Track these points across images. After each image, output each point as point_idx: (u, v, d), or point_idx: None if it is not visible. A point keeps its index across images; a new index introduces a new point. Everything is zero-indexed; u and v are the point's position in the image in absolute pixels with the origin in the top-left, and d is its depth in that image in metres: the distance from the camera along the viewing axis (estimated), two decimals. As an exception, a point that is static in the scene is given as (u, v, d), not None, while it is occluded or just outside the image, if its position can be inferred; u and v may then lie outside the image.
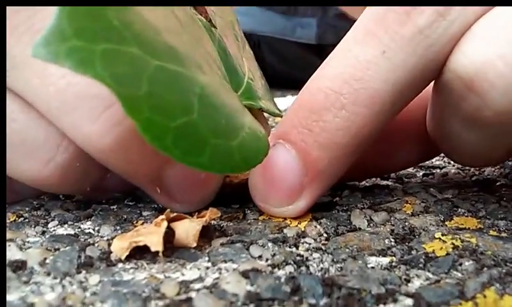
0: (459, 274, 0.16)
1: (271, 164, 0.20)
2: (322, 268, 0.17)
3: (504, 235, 0.19)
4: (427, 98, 0.21)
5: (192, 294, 0.15)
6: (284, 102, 0.62)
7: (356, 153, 0.20)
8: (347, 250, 0.18)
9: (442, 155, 0.33)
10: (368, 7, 0.19)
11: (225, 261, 0.17)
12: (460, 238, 0.19)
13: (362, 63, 0.18)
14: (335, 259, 0.17)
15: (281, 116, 0.23)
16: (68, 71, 0.16)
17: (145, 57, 0.16)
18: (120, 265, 0.17)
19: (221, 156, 0.17)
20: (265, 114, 0.24)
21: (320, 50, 0.84)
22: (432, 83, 0.20)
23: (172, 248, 0.18)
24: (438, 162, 0.32)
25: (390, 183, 0.27)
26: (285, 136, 0.20)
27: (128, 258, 0.17)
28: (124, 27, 0.16)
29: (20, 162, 0.20)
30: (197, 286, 0.15)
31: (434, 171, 0.29)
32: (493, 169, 0.29)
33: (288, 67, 0.88)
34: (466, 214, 0.21)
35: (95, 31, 0.15)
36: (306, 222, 0.20)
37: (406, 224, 0.20)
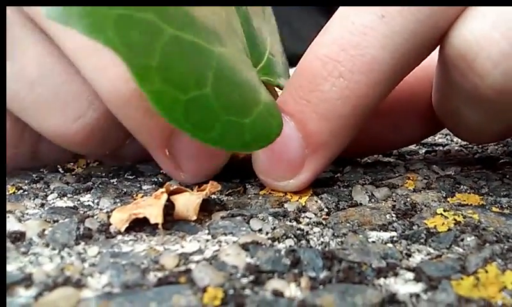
0: (461, 250, 0.16)
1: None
2: (322, 242, 0.17)
3: (506, 211, 0.19)
4: (430, 71, 0.21)
5: (192, 266, 0.15)
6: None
7: (357, 125, 0.19)
8: (347, 225, 0.18)
9: (445, 132, 0.33)
10: None
11: (225, 234, 0.17)
12: (462, 214, 0.18)
13: (359, 28, 0.18)
14: (335, 234, 0.17)
15: None
16: None
17: (161, 24, 0.16)
18: (119, 237, 0.17)
19: (231, 133, 0.17)
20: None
21: None
22: (436, 57, 0.19)
23: (172, 221, 0.18)
24: (440, 140, 0.31)
25: (392, 159, 0.26)
26: (284, 107, 0.19)
27: (128, 230, 0.17)
28: None
29: (49, 115, 0.20)
30: (196, 258, 0.15)
31: (436, 148, 0.29)
32: (496, 147, 0.29)
33: (299, 41, 0.87)
34: (468, 191, 0.21)
35: None
36: (307, 197, 0.20)
37: (408, 199, 0.20)
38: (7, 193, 0.21)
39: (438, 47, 0.19)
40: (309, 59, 0.19)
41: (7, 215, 0.18)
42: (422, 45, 0.18)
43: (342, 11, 0.19)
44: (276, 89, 0.23)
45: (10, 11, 0.19)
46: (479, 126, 0.20)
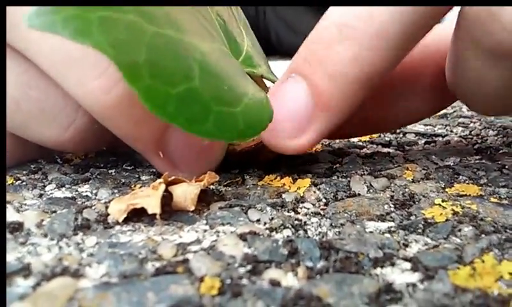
0: (458, 240, 0.16)
1: (281, 96, 0.20)
2: (320, 232, 0.17)
3: (504, 202, 0.19)
4: (440, 41, 0.21)
5: (190, 256, 0.15)
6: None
7: (365, 89, 0.19)
8: (345, 215, 0.18)
9: (444, 123, 0.33)
10: None
11: (223, 224, 0.17)
12: (460, 205, 0.18)
13: None
14: (333, 224, 0.17)
15: None
16: None
17: (142, 23, 0.16)
18: (117, 227, 0.17)
19: (225, 123, 0.17)
20: (266, 82, 0.24)
21: None
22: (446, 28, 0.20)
23: (170, 211, 0.18)
24: (440, 130, 0.31)
25: (391, 150, 0.26)
26: (297, 69, 0.20)
27: (126, 221, 0.17)
28: None
29: (40, 129, 0.20)
30: (194, 248, 0.15)
31: (436, 139, 0.29)
32: (495, 137, 0.29)
33: (294, 34, 0.87)
34: (467, 181, 0.21)
35: None
36: (305, 187, 0.20)
37: (406, 190, 0.20)
38: (6, 184, 0.21)
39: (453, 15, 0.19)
40: (325, 25, 0.20)
41: (5, 206, 0.18)
42: (433, 12, 0.18)
43: None
44: (265, 80, 0.23)
45: None
46: (496, 92, 0.20)
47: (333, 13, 0.19)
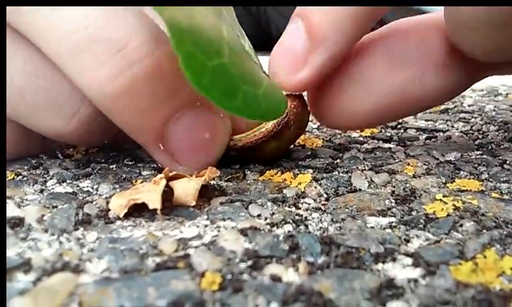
0: (460, 235, 0.16)
1: (282, 37, 0.21)
2: (321, 228, 0.17)
3: (506, 197, 0.19)
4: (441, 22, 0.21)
5: (191, 251, 0.15)
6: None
7: (358, 22, 0.20)
8: (346, 210, 0.18)
9: (446, 118, 0.33)
10: None
11: (224, 220, 0.17)
12: (461, 200, 0.18)
13: None
14: (334, 219, 0.17)
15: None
16: (79, 14, 0.16)
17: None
18: (118, 222, 0.17)
19: (251, 102, 0.18)
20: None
21: None
22: None
23: (171, 207, 0.18)
24: (441, 126, 0.31)
25: (392, 145, 0.26)
26: (297, 12, 0.20)
27: (127, 216, 0.17)
28: None
29: (44, 119, 0.20)
30: (195, 243, 0.15)
31: (437, 134, 0.29)
32: (496, 133, 0.29)
33: None
34: (468, 177, 0.21)
35: None
36: (306, 182, 0.20)
37: (407, 185, 0.20)
38: (6, 179, 0.21)
39: None
40: None
41: (6, 201, 0.18)
42: None
43: None
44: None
45: None
46: (495, 25, 0.19)
47: None
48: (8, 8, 0.18)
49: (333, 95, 0.22)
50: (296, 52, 0.20)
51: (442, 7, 0.21)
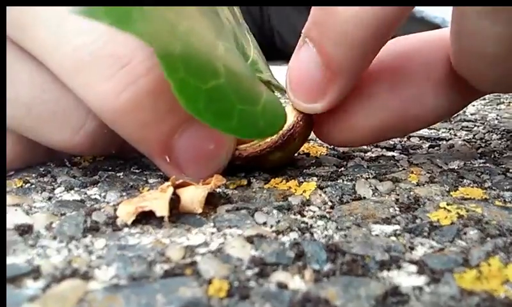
0: (464, 243, 0.16)
1: (297, 62, 0.20)
2: (326, 235, 0.17)
3: (509, 205, 0.19)
4: (445, 39, 0.21)
5: (197, 258, 0.15)
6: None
7: (372, 50, 0.20)
8: (351, 218, 0.18)
9: (448, 127, 0.33)
10: None
11: (230, 227, 0.17)
12: (465, 208, 0.19)
13: None
14: (339, 227, 0.17)
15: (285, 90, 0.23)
16: (84, 30, 0.16)
17: (176, 18, 0.17)
18: (126, 229, 0.17)
19: (248, 121, 0.18)
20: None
21: None
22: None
23: (178, 214, 0.18)
24: (444, 134, 0.32)
25: (395, 154, 0.27)
26: (307, 33, 0.20)
27: (134, 223, 0.17)
28: None
29: (51, 132, 0.20)
30: (202, 250, 0.16)
31: (440, 143, 0.29)
32: (499, 141, 0.29)
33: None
34: (471, 185, 0.21)
35: None
36: (311, 190, 0.21)
37: (411, 193, 0.20)
38: (14, 187, 0.21)
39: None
40: None
41: (14, 208, 0.19)
42: None
43: None
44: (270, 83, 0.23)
45: None
46: (496, 51, 0.19)
47: None
48: (12, 23, 0.19)
49: (338, 114, 0.22)
50: (315, 81, 0.20)
51: (446, 24, 0.21)
